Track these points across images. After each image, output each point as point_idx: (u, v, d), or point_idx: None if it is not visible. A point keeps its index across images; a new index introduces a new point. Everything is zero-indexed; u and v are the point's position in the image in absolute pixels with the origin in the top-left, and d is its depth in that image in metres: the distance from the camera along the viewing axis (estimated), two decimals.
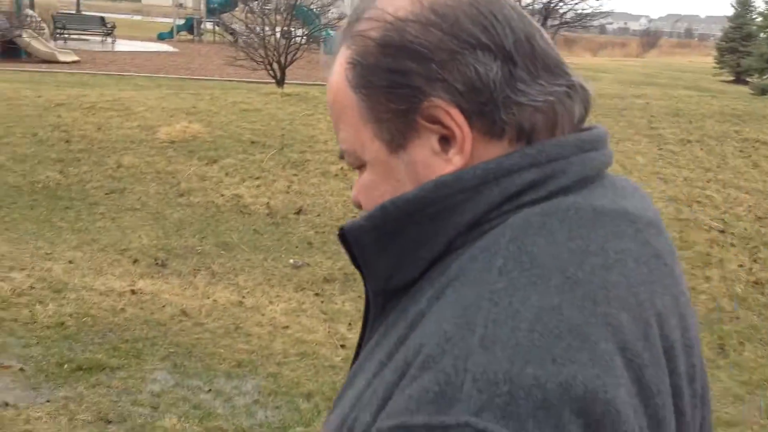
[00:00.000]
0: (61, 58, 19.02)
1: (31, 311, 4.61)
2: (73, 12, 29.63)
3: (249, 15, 15.32)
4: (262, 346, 4.56)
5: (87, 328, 4.49)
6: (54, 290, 5.00)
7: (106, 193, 7.18)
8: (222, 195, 7.23)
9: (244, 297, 5.28)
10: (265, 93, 10.86)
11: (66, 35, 23.98)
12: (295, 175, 7.63)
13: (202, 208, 7.00)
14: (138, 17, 48.72)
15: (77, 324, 4.53)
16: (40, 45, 18.99)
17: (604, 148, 0.76)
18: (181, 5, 34.88)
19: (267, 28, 13.86)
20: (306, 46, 14.75)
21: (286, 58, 13.65)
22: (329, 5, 16.77)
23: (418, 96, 0.71)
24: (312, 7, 16.18)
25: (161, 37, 29.67)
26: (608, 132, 0.79)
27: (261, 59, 13.57)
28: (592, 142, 0.74)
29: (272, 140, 8.38)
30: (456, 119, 0.70)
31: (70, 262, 5.60)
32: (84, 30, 25.35)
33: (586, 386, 0.57)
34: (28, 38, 18.78)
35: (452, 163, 0.71)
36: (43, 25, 20.60)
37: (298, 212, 6.96)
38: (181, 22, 30.95)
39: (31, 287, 4.99)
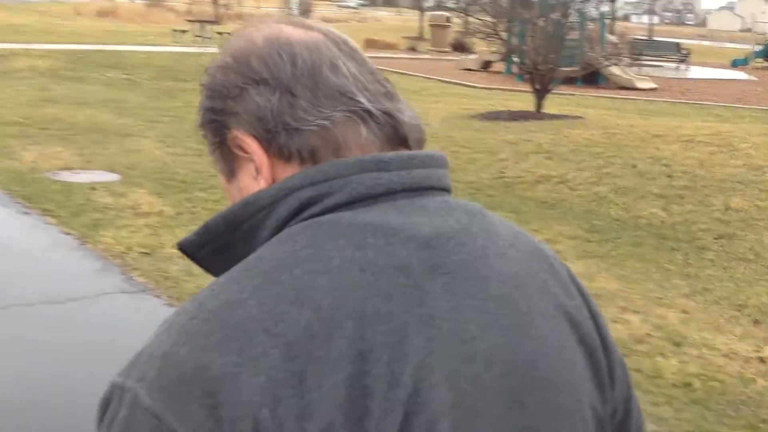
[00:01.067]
0: (639, 84, 19.17)
1: (653, 363, 4.35)
2: (647, 38, 29.90)
3: None
4: None
5: (716, 396, 4.06)
6: (673, 342, 4.67)
7: (715, 238, 6.67)
8: None
9: None
10: None
11: (640, 61, 24.24)
12: None
13: None
14: (705, 42, 47.47)
15: (704, 388, 4.12)
16: (618, 71, 19.39)
17: (404, 169, 0.79)
18: (749, 30, 32.78)
19: None
20: None
21: None
22: None
23: (223, 129, 0.83)
24: None
25: (735, 64, 28.22)
26: (435, 156, 0.83)
27: None
28: (380, 162, 0.78)
29: None
30: (252, 146, 0.80)
31: (684, 311, 5.22)
32: (658, 56, 25.35)
33: (220, 371, 0.66)
34: (608, 64, 19.33)
35: (260, 185, 0.80)
36: (623, 51, 21.03)
37: None
38: (759, 48, 29.03)
39: (648, 335, 4.74)
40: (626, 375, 0.91)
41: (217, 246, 0.81)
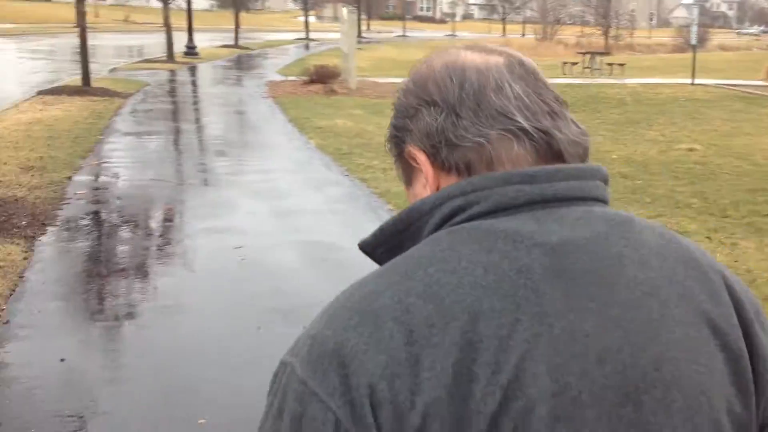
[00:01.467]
0: None
1: None
2: None
3: None
4: None
5: None
6: None
7: None
8: None
9: None
10: None
11: None
12: None
13: None
14: None
15: None
16: None
17: (548, 182, 0.85)
18: None
19: None
20: None
21: None
22: None
23: (402, 144, 0.94)
24: None
25: None
26: (583, 169, 0.88)
27: None
28: (526, 176, 0.85)
29: None
30: (420, 159, 0.91)
31: None
32: None
33: (353, 348, 0.77)
34: None
35: (427, 193, 0.91)
36: None
37: None
38: None
39: None
40: None
41: (389, 246, 0.90)
